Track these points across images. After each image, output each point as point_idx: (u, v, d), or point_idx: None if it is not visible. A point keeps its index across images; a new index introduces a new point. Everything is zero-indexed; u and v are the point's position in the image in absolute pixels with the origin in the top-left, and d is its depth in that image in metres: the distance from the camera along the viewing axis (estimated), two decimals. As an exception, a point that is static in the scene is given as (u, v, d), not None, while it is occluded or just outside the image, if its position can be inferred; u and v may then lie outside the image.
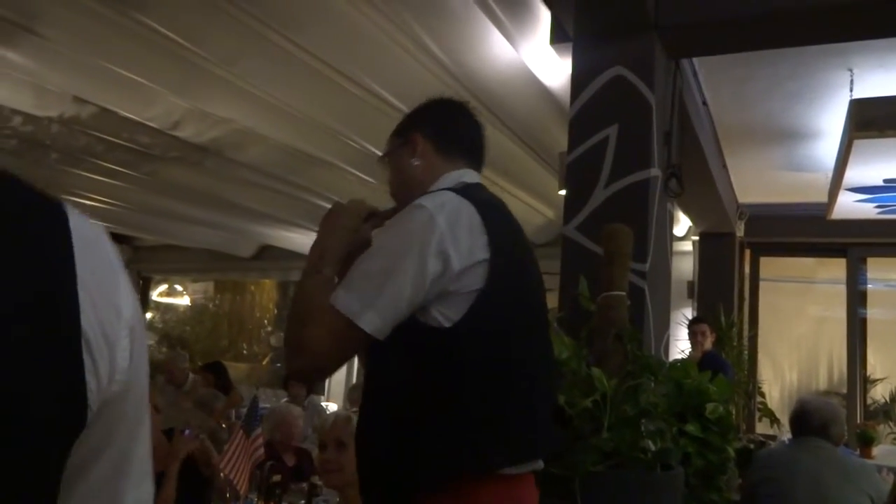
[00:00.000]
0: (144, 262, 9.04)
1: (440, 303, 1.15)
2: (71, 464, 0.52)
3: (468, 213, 1.19)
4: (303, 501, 2.61)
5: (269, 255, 8.17)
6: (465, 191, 1.26)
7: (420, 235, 1.15)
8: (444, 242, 1.15)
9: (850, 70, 3.50)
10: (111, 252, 0.54)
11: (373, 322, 1.13)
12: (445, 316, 1.15)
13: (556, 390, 1.41)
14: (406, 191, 1.37)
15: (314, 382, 5.48)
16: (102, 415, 0.51)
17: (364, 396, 1.29)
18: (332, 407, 6.50)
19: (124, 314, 0.53)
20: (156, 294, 9.64)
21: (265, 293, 9.06)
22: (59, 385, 0.47)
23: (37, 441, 0.46)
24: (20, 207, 0.50)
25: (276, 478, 2.81)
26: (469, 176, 1.37)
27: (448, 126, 1.41)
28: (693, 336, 4.97)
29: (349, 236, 1.34)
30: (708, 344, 4.94)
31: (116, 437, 0.54)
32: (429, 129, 1.39)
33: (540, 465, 1.28)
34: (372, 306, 1.13)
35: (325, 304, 1.16)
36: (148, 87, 3.48)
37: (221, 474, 2.65)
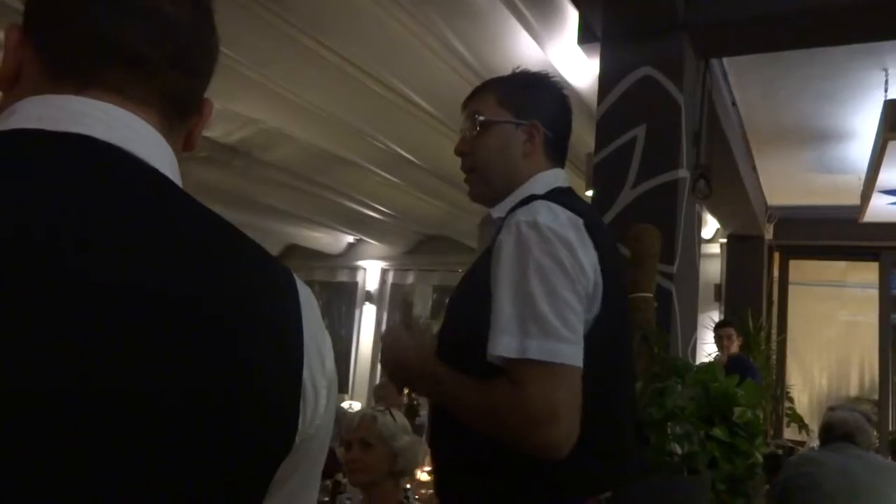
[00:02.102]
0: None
1: None
2: None
3: (579, 230, 1.07)
4: (326, 499, 2.63)
5: (294, 254, 8.24)
6: (566, 201, 1.12)
7: (551, 254, 1.03)
8: (573, 255, 1.03)
9: (885, 70, 3.43)
10: (318, 312, 0.62)
11: (578, 356, 1.01)
12: None
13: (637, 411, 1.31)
14: (492, 171, 1.24)
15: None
16: (298, 450, 0.58)
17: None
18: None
19: (327, 367, 0.60)
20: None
21: (291, 292, 9.15)
22: (281, 421, 0.56)
23: (256, 460, 0.55)
24: (270, 275, 0.58)
25: (301, 475, 2.83)
26: (561, 179, 1.24)
27: (561, 126, 1.28)
28: (719, 340, 4.92)
29: (418, 352, 1.19)
30: (734, 348, 4.88)
31: (296, 473, 0.60)
32: (549, 126, 1.25)
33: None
34: (569, 341, 1.01)
35: (493, 393, 1.01)
36: (179, 88, 3.54)
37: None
